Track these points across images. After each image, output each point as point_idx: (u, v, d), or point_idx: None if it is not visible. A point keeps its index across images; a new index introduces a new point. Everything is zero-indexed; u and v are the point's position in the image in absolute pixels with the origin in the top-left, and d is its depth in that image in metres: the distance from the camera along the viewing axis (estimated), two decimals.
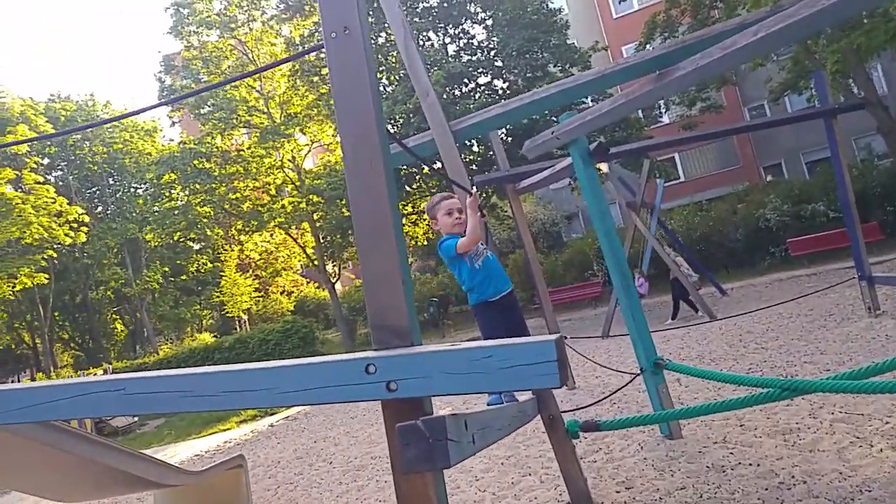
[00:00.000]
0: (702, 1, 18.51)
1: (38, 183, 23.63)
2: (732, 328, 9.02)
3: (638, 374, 4.57)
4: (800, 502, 3.00)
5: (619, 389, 5.05)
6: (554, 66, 18.59)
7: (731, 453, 3.91)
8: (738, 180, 25.50)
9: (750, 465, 3.64)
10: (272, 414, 11.74)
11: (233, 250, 31.38)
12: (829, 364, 5.60)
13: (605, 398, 5.37)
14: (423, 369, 1.43)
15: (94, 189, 33.02)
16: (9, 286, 23.40)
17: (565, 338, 1.47)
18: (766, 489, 3.23)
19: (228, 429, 11.42)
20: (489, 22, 19.31)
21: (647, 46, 19.27)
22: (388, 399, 1.49)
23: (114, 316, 35.14)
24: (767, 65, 18.99)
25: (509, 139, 17.39)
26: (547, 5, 19.08)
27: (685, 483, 3.61)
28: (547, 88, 3.46)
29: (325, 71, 21.92)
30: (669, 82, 3.25)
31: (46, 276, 25.12)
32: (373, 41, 20.19)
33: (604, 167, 10.34)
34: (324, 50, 1.65)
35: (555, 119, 12.56)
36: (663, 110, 26.21)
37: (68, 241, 24.53)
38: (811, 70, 17.61)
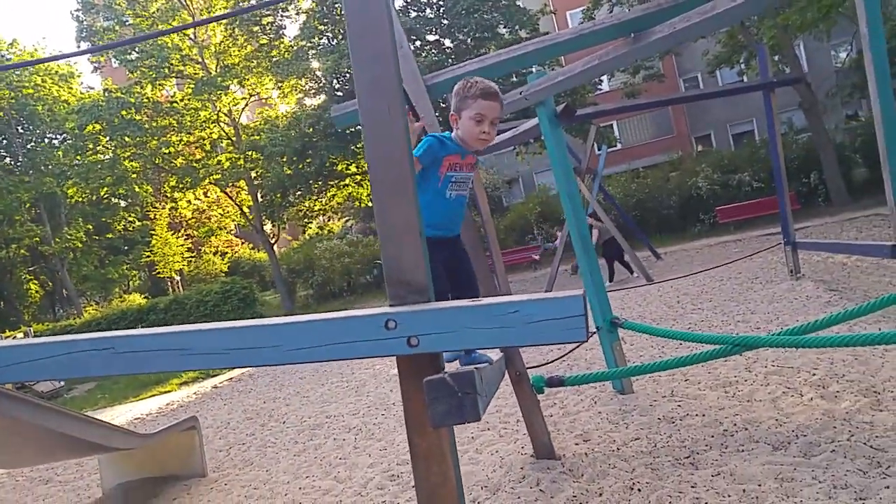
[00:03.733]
0: None
1: None
2: (669, 290, 9.44)
3: (593, 333, 4.71)
4: (742, 447, 3.22)
5: (576, 347, 5.20)
6: (504, 28, 18.48)
7: (679, 406, 4.13)
8: (672, 149, 26.39)
9: (696, 415, 3.86)
10: (214, 375, 11.48)
11: (164, 208, 29.94)
12: (759, 322, 5.98)
13: (566, 354, 5.53)
14: (447, 324, 1.42)
15: (1, 137, 30.34)
16: None
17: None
18: (713, 436, 3.46)
19: (169, 391, 11.11)
20: None
21: (595, 13, 19.42)
22: (408, 354, 1.47)
23: (28, 276, 33.03)
24: (706, 38, 19.55)
25: None
26: None
27: (639, 434, 3.79)
28: (524, 45, 3.42)
29: (265, 20, 20.95)
30: (645, 45, 3.28)
31: None
32: None
33: None
34: None
35: (515, 81, 12.51)
36: (605, 77, 26.61)
37: None
38: (744, 45, 18.27)
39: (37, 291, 33.74)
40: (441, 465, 1.49)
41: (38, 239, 28.62)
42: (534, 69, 15.99)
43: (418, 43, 18.61)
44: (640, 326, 4.48)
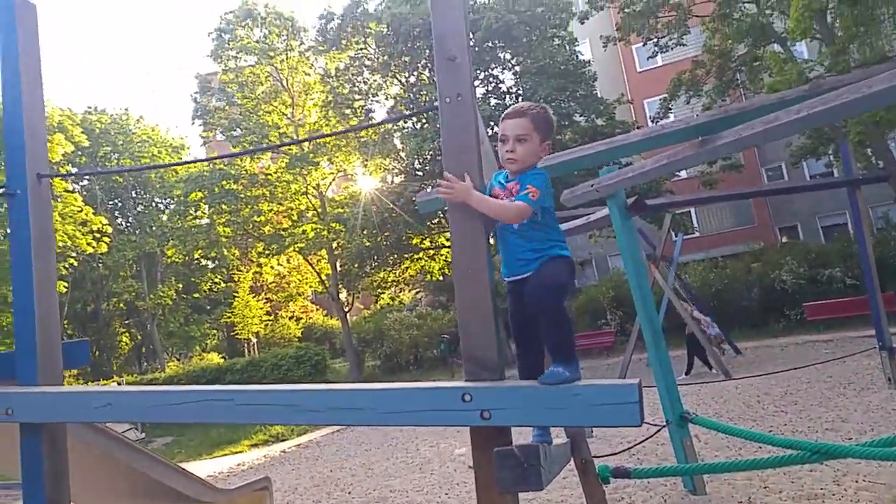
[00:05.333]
0: (726, 64, 19.02)
1: (67, 191, 24.11)
2: (749, 388, 9.07)
3: (663, 426, 4.69)
4: None
5: (645, 440, 5.16)
6: (580, 116, 19.07)
7: None
8: (753, 239, 25.64)
9: None
10: (283, 440, 11.80)
11: (248, 272, 31.66)
12: (851, 433, 5.67)
13: (634, 445, 5.47)
14: (516, 402, 1.64)
15: (116, 201, 33.49)
16: None
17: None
18: None
19: (240, 451, 11.50)
20: (518, 69, 19.91)
21: (671, 104, 19.75)
22: (480, 426, 1.68)
23: (121, 329, 35.25)
24: None
25: None
26: (577, 56, 19.67)
27: None
28: (594, 146, 3.72)
29: (357, 104, 22.53)
30: (711, 149, 3.50)
31: (66, 284, 25.45)
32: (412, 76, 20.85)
33: None
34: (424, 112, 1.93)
35: (589, 169, 12.84)
36: None
37: (90, 249, 24.87)
38: (831, 138, 17.94)
39: (126, 344, 35.85)
40: None
41: (135, 293, 30.76)
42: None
43: (496, 129, 19.49)
44: (712, 423, 4.44)
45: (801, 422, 6.44)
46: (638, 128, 18.35)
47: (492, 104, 19.17)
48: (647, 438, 4.97)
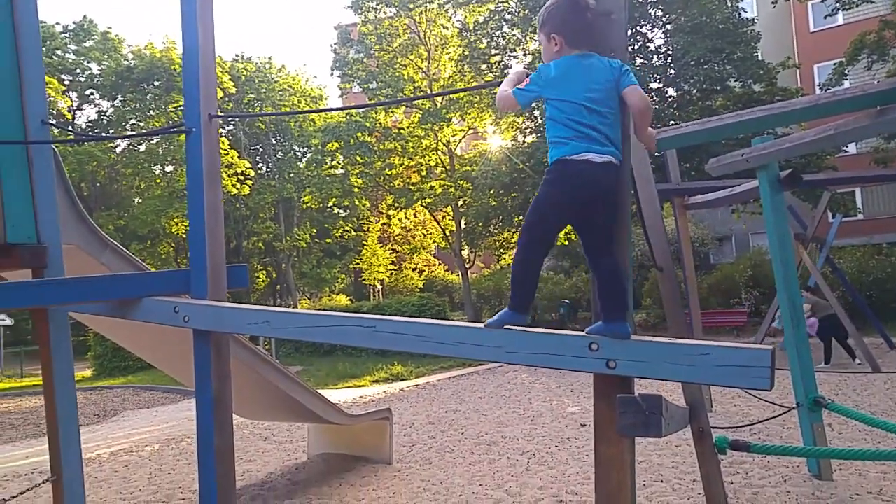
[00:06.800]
0: None
1: None
2: None
3: (792, 408, 4.45)
4: None
5: (768, 419, 4.93)
6: (735, 80, 17.62)
7: None
8: None
9: None
10: (402, 380, 12.48)
11: (377, 223, 33.09)
12: None
13: (756, 423, 5.28)
14: (644, 355, 1.67)
15: (258, 146, 35.92)
16: (184, 225, 26.55)
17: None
18: None
19: (362, 385, 12.33)
20: (669, 27, 18.66)
21: (847, 70, 17.67)
22: (604, 374, 1.74)
23: (259, 266, 38.43)
24: None
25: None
26: (739, 14, 18.04)
27: None
28: (751, 112, 3.48)
29: (493, 59, 22.38)
30: (891, 120, 3.15)
31: None
32: None
33: None
34: None
35: (739, 137, 11.97)
36: None
37: (234, 191, 27.10)
38: None
39: (263, 280, 39.15)
40: (620, 473, 1.73)
41: (273, 235, 33.29)
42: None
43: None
44: (850, 411, 4.15)
45: None
46: (803, 95, 16.66)
47: (637, 64, 18.18)
48: (771, 418, 4.74)
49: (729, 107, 15.83)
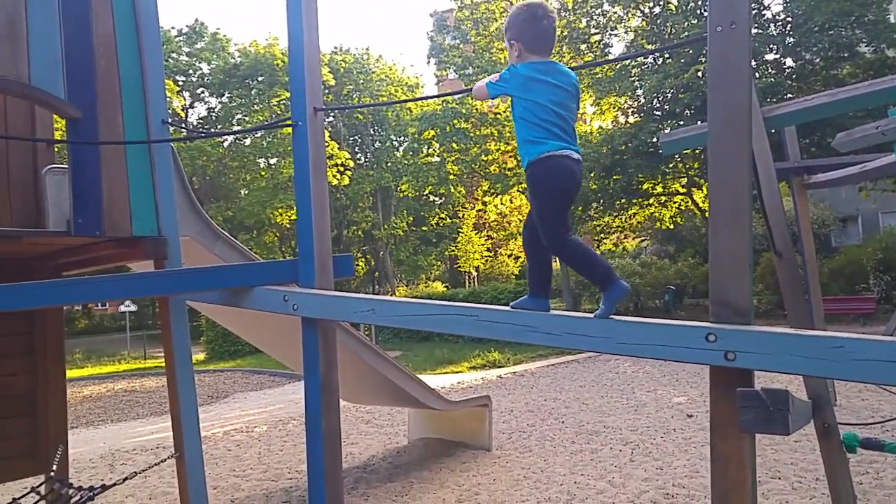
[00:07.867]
0: None
1: None
2: None
3: None
4: None
5: None
6: (865, 46, 16.04)
7: None
8: None
9: None
10: (500, 367, 12.51)
11: (472, 209, 33.18)
12: None
13: (889, 420, 4.83)
14: (767, 347, 1.56)
15: (357, 137, 36.94)
16: (287, 216, 27.88)
17: None
18: None
19: (460, 371, 12.48)
20: None
21: None
22: (722, 366, 1.64)
23: (358, 254, 39.74)
24: None
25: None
26: None
27: None
28: (885, 80, 3.13)
29: (592, 39, 21.69)
30: None
31: None
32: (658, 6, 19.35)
33: None
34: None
35: (870, 109, 10.94)
36: None
37: (335, 181, 28.07)
38: None
39: (363, 268, 40.48)
40: (739, 470, 1.63)
41: (371, 224, 34.26)
42: None
43: (753, 63, 17.26)
44: None
45: None
46: None
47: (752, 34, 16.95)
48: None
49: (858, 75, 14.45)
